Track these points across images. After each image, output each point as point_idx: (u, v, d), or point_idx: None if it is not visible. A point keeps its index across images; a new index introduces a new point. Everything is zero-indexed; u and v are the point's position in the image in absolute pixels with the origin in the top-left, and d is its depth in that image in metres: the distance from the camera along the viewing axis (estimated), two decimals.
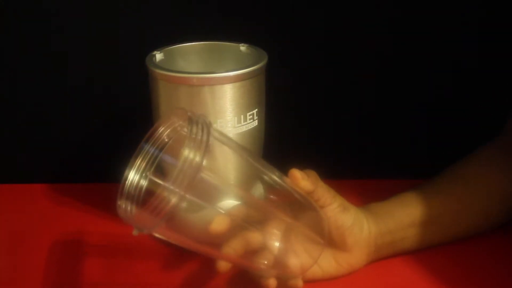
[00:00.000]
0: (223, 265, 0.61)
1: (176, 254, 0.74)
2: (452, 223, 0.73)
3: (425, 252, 0.72)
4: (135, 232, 0.55)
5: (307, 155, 0.88)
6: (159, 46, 0.75)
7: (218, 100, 0.68)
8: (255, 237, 0.61)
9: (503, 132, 0.78)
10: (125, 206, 0.57)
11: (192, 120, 0.56)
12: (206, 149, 0.54)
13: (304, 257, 0.63)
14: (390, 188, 0.75)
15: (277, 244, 0.61)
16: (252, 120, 0.71)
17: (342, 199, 0.67)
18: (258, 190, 0.70)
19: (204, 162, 0.53)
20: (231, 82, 0.68)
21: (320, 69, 0.89)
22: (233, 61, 0.75)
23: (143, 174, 0.57)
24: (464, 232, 0.74)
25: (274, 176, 0.62)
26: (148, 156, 0.58)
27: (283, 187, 0.62)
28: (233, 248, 0.60)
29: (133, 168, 0.58)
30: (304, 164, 0.78)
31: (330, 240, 0.66)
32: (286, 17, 0.87)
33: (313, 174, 0.64)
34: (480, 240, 0.75)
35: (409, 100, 0.91)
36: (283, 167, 0.63)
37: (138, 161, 0.58)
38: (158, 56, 0.73)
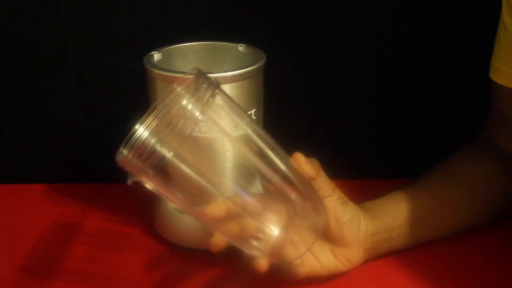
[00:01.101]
0: (217, 240, 0.60)
1: (176, 254, 0.74)
2: (443, 218, 0.74)
3: (420, 252, 0.73)
4: (129, 182, 0.55)
5: (305, 155, 0.88)
6: (157, 46, 0.75)
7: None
8: (251, 224, 0.60)
9: (481, 131, 0.81)
10: (123, 152, 0.55)
11: (201, 73, 0.55)
12: (207, 102, 0.53)
13: (298, 244, 0.62)
14: (390, 188, 0.75)
15: (274, 233, 0.60)
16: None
17: (341, 192, 0.67)
18: (256, 186, 0.70)
19: (201, 117, 0.52)
20: (229, 82, 0.68)
21: (319, 69, 0.89)
22: (231, 61, 0.75)
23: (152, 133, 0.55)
24: (454, 226, 0.75)
25: (278, 158, 0.60)
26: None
27: (285, 173, 0.60)
28: (229, 228, 0.59)
29: (144, 124, 0.56)
30: None
31: (329, 233, 0.66)
32: (285, 17, 0.87)
33: (315, 162, 0.64)
34: (473, 240, 0.75)
35: (408, 100, 0.91)
36: None
37: (150, 120, 0.56)
38: (156, 56, 0.73)
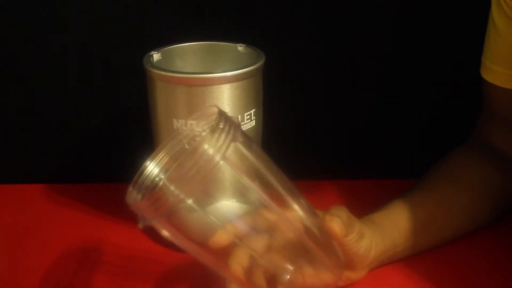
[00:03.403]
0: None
1: (176, 254, 0.74)
2: (446, 224, 0.74)
3: (420, 253, 0.73)
4: (140, 225, 0.52)
5: (304, 155, 0.89)
6: (156, 46, 0.75)
7: (215, 101, 0.68)
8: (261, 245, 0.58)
9: (475, 129, 0.81)
10: (134, 194, 0.54)
11: (222, 113, 0.52)
12: (226, 149, 0.50)
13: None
14: (390, 188, 0.75)
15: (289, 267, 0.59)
16: (249, 121, 0.71)
17: (359, 224, 0.65)
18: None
19: (222, 163, 0.49)
20: (228, 82, 0.68)
21: (318, 69, 0.89)
22: (230, 61, 0.75)
23: (162, 170, 0.54)
24: (455, 230, 0.74)
25: (298, 205, 0.57)
26: (172, 153, 0.55)
27: (305, 223, 0.58)
28: (238, 262, 0.57)
29: (154, 160, 0.54)
30: (302, 164, 0.78)
31: None
32: (284, 17, 0.87)
33: (343, 213, 0.62)
34: (474, 240, 0.75)
35: (409, 99, 0.91)
36: (281, 168, 0.63)
37: (161, 155, 0.55)
38: (156, 56, 0.73)
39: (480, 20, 0.77)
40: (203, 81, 0.68)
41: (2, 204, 0.88)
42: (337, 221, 0.59)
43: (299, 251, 0.58)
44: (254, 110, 0.71)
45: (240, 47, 0.76)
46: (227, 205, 0.69)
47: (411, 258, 0.72)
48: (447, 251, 0.74)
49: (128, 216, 0.81)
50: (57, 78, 0.89)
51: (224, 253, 0.57)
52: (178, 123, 0.69)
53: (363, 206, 0.71)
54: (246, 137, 0.54)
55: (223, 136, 0.50)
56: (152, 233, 0.78)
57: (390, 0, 0.87)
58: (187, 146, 0.55)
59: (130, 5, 0.86)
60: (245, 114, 0.70)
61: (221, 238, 0.56)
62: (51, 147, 0.93)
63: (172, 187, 0.50)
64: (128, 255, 0.76)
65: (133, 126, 0.75)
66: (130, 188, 0.54)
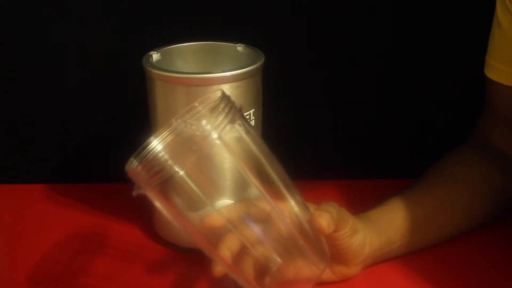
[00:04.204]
0: (218, 270, 0.60)
1: (176, 254, 0.75)
2: (443, 222, 0.74)
3: (418, 251, 0.72)
4: (134, 193, 0.55)
5: (304, 155, 0.89)
6: (156, 46, 0.75)
7: None
8: (252, 234, 0.59)
9: (475, 129, 0.81)
10: (134, 163, 0.55)
11: (225, 95, 0.54)
12: (225, 127, 0.52)
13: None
14: (390, 188, 0.75)
15: (278, 258, 0.59)
16: (249, 120, 0.71)
17: (353, 220, 0.65)
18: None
19: (218, 141, 0.52)
20: (227, 82, 0.68)
21: (318, 69, 0.89)
22: (230, 61, 0.75)
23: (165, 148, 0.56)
24: (453, 229, 0.74)
25: (291, 198, 0.59)
26: (176, 133, 0.56)
27: (297, 215, 0.59)
28: (228, 246, 0.58)
29: (158, 137, 0.56)
30: (302, 164, 0.78)
31: (332, 256, 0.65)
32: (284, 17, 0.87)
33: (333, 208, 0.62)
34: (473, 239, 0.75)
35: (408, 99, 0.91)
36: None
37: (166, 134, 0.56)
38: (155, 56, 0.73)
39: (480, 20, 0.77)
40: (202, 81, 0.68)
41: (2, 204, 0.88)
42: (325, 217, 0.59)
43: (289, 244, 0.59)
44: (253, 110, 0.71)
45: (240, 47, 0.76)
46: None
47: (409, 257, 0.72)
48: (446, 250, 0.74)
49: (128, 216, 0.82)
50: (57, 78, 0.90)
51: (215, 235, 0.58)
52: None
53: (363, 206, 0.72)
54: (246, 122, 0.56)
55: (222, 115, 0.53)
56: (152, 233, 0.78)
57: (390, 0, 0.87)
58: (193, 127, 0.56)
59: (130, 5, 0.86)
60: (245, 114, 0.70)
61: (214, 220, 0.57)
62: (51, 147, 0.93)
63: (166, 157, 0.52)
64: (128, 255, 0.76)
65: (133, 126, 0.75)
66: (132, 158, 0.55)
